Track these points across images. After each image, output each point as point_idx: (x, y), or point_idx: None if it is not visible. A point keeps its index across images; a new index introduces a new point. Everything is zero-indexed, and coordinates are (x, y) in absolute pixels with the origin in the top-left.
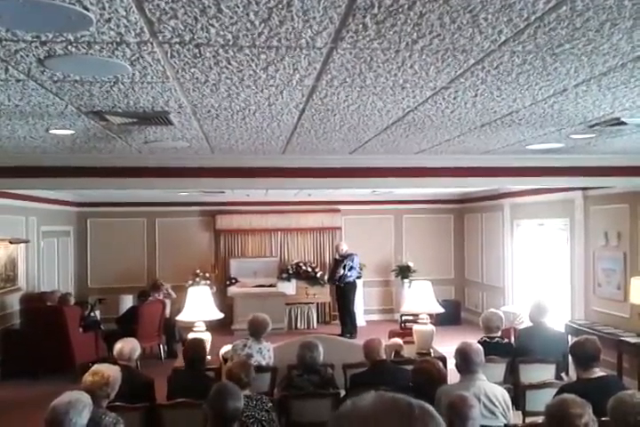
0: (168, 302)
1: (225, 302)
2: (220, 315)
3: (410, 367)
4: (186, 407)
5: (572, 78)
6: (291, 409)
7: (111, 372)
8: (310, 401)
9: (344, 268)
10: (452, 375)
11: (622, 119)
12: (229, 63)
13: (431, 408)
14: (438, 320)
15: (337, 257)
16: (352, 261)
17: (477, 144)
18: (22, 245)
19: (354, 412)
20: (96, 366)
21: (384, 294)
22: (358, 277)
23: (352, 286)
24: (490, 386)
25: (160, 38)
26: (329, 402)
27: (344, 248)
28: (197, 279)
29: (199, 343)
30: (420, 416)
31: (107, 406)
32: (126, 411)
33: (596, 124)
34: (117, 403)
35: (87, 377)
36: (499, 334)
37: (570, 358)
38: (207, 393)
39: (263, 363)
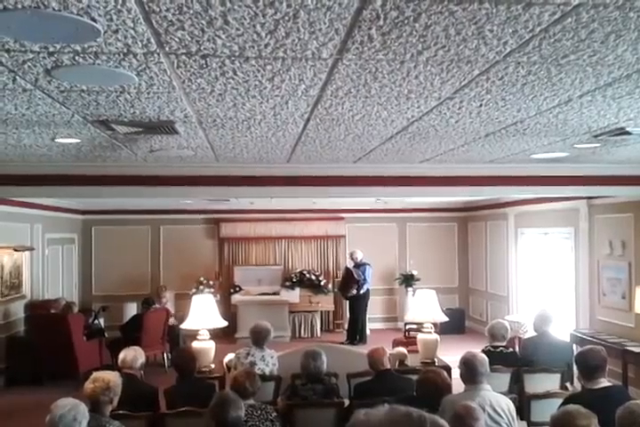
0: (172, 309)
1: (229, 310)
2: (224, 323)
3: (414, 377)
4: (190, 416)
5: (577, 89)
6: (295, 419)
7: (111, 376)
8: (314, 411)
9: (357, 289)
10: (457, 385)
11: (627, 129)
12: (235, 74)
13: (443, 422)
14: (442, 329)
15: (350, 265)
16: (364, 273)
17: (482, 153)
18: (27, 252)
19: (367, 424)
20: (95, 373)
21: (388, 303)
22: None
23: (363, 295)
24: (495, 396)
25: (167, 49)
26: (333, 411)
27: (359, 256)
28: (201, 287)
29: (186, 352)
30: None
31: (110, 414)
32: (130, 419)
33: (601, 134)
34: (121, 411)
35: (88, 385)
36: (504, 343)
37: (575, 367)
38: (207, 401)
39: (267, 371)
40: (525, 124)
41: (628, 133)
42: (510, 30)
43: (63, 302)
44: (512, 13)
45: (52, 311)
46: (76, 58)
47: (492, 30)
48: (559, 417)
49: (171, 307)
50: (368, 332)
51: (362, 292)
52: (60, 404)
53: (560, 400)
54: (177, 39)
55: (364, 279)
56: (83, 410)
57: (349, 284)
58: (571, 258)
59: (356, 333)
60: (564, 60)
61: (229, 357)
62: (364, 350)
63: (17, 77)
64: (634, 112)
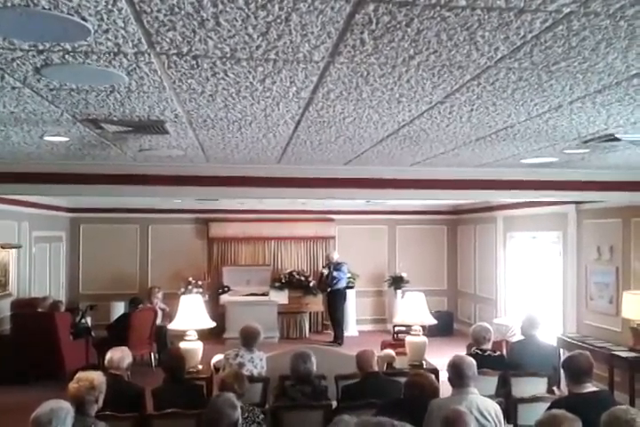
0: (160, 310)
1: (217, 311)
2: (212, 323)
3: (402, 379)
4: (176, 417)
5: (568, 95)
6: (282, 420)
7: (95, 375)
8: (302, 413)
9: (329, 268)
10: (445, 387)
11: (616, 135)
12: (226, 75)
13: None
14: (430, 331)
15: (327, 263)
16: (340, 270)
17: (472, 157)
18: (14, 250)
19: None
20: (79, 374)
21: (377, 305)
22: (350, 287)
23: (340, 294)
24: (482, 400)
25: (157, 49)
26: (320, 414)
27: (335, 257)
28: (190, 287)
29: (176, 353)
30: None
31: (96, 415)
32: (116, 420)
33: (590, 140)
34: (107, 412)
35: (72, 385)
36: (489, 345)
37: (562, 371)
38: (194, 402)
39: (255, 372)
40: (515, 130)
41: (617, 140)
42: (502, 36)
43: (50, 301)
44: (504, 20)
45: (39, 310)
46: (66, 57)
47: (484, 36)
48: (545, 422)
49: (162, 307)
50: (356, 333)
51: (335, 275)
52: (45, 404)
53: (547, 404)
54: (168, 40)
55: (336, 277)
56: (64, 416)
57: (322, 274)
58: (559, 262)
59: (339, 333)
60: (554, 66)
61: (218, 358)
62: (352, 351)
63: (5, 75)
64: (623, 119)
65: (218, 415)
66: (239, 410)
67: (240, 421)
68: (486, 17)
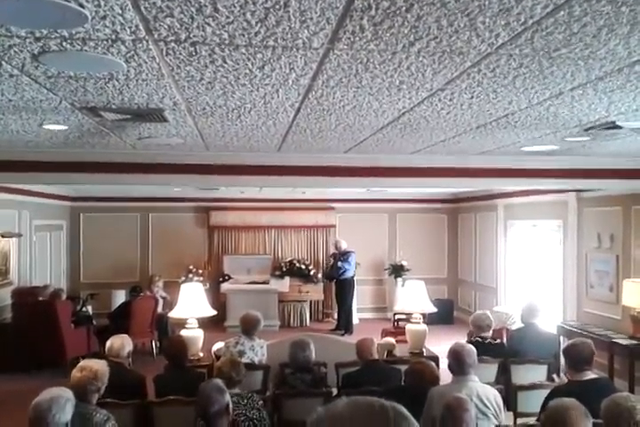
0: (160, 299)
1: (218, 299)
2: (213, 312)
3: (402, 367)
4: (177, 405)
5: (569, 82)
6: (282, 408)
7: (98, 366)
8: (302, 400)
9: (334, 258)
10: (445, 375)
11: (617, 123)
12: (225, 62)
13: (404, 410)
14: (431, 319)
15: (334, 252)
16: (347, 259)
17: (472, 145)
18: (14, 238)
19: (328, 416)
20: (82, 362)
21: (377, 293)
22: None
23: (348, 283)
24: (482, 387)
25: (155, 36)
26: (321, 401)
27: (342, 245)
28: (190, 275)
29: (178, 341)
30: (394, 418)
31: (97, 402)
32: (117, 408)
33: (592, 128)
34: (108, 400)
35: (75, 373)
36: (489, 333)
37: (562, 359)
38: (195, 389)
39: (256, 360)
40: (516, 117)
41: (619, 127)
42: (502, 22)
43: (51, 289)
44: (504, 5)
45: (40, 298)
46: (64, 44)
47: (485, 22)
48: (554, 416)
49: (162, 295)
50: (357, 321)
51: (339, 265)
52: (46, 391)
53: (546, 391)
54: (166, 26)
55: (346, 259)
56: (63, 404)
57: (331, 264)
58: (559, 250)
59: (344, 323)
60: (555, 53)
61: (218, 345)
62: (352, 340)
63: (3, 62)
64: (624, 106)
65: (207, 401)
66: (228, 394)
67: (230, 405)
68: (487, 2)
